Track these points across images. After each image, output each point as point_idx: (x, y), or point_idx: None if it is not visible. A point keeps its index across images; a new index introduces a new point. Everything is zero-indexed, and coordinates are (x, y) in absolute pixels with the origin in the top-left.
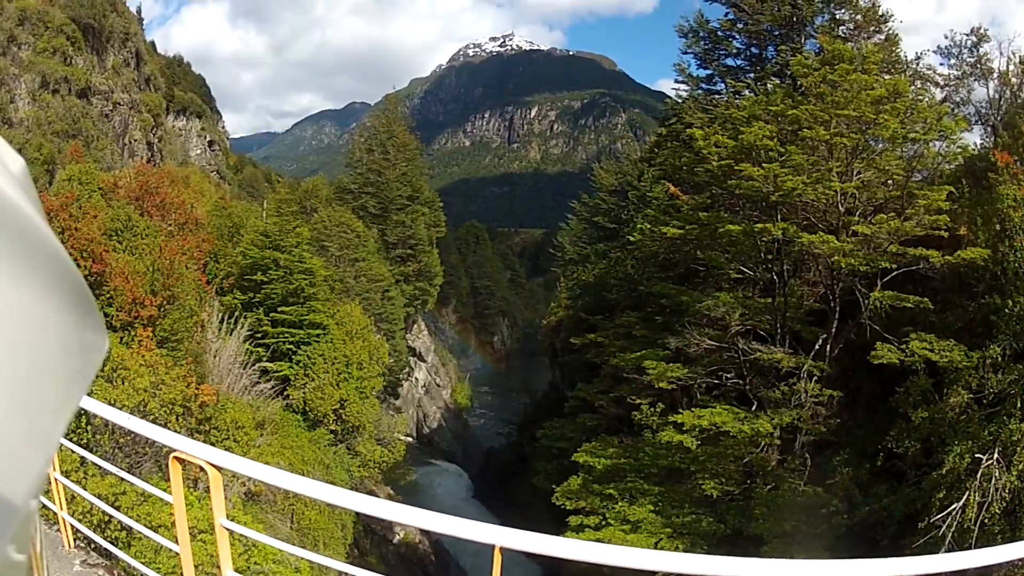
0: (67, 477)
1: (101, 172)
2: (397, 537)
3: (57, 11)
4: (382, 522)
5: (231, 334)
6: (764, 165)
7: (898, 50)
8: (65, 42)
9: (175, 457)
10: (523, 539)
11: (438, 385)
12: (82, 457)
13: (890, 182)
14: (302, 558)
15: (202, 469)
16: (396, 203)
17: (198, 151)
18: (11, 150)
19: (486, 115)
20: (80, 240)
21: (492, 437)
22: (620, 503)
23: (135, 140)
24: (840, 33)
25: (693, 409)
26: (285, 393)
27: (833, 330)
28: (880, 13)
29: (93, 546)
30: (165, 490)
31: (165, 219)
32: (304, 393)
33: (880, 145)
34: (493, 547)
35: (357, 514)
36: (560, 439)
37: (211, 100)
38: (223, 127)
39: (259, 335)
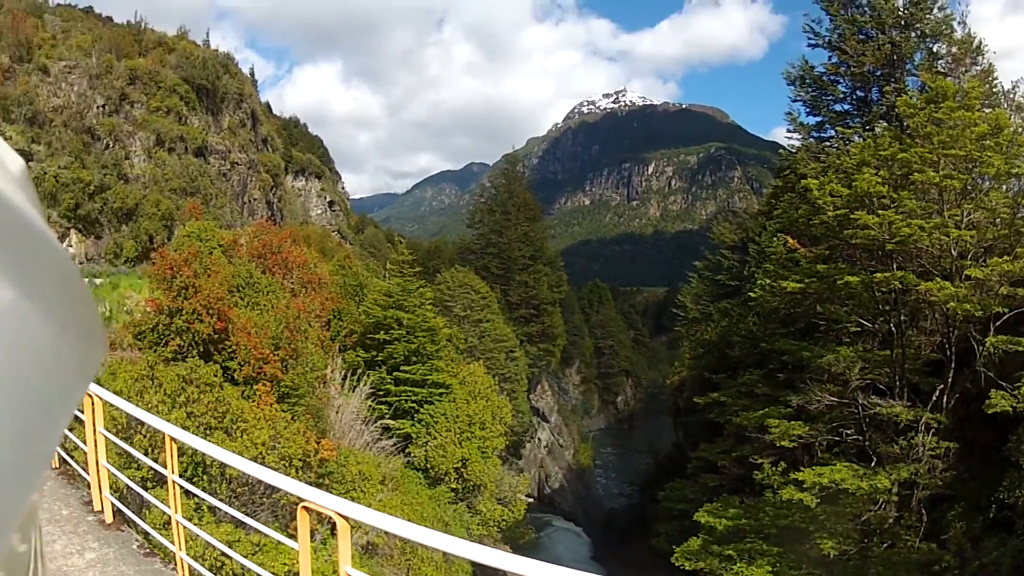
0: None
1: (221, 229)
2: None
3: (169, 71)
4: None
5: (353, 391)
6: (879, 212)
7: (994, 79)
8: (179, 102)
9: (304, 507)
10: None
11: (561, 445)
12: (196, 503)
13: (998, 220)
14: None
15: (322, 520)
16: (518, 263)
17: (319, 211)
18: (11, 150)
19: (604, 173)
20: (204, 297)
21: (614, 498)
22: (739, 564)
23: (254, 199)
24: (939, 68)
25: (814, 467)
26: (407, 451)
27: (950, 380)
28: (975, 44)
29: None
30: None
31: (287, 277)
32: (426, 451)
33: (986, 183)
34: None
35: (473, 572)
36: (681, 500)
37: (329, 161)
38: (343, 188)
39: (382, 393)
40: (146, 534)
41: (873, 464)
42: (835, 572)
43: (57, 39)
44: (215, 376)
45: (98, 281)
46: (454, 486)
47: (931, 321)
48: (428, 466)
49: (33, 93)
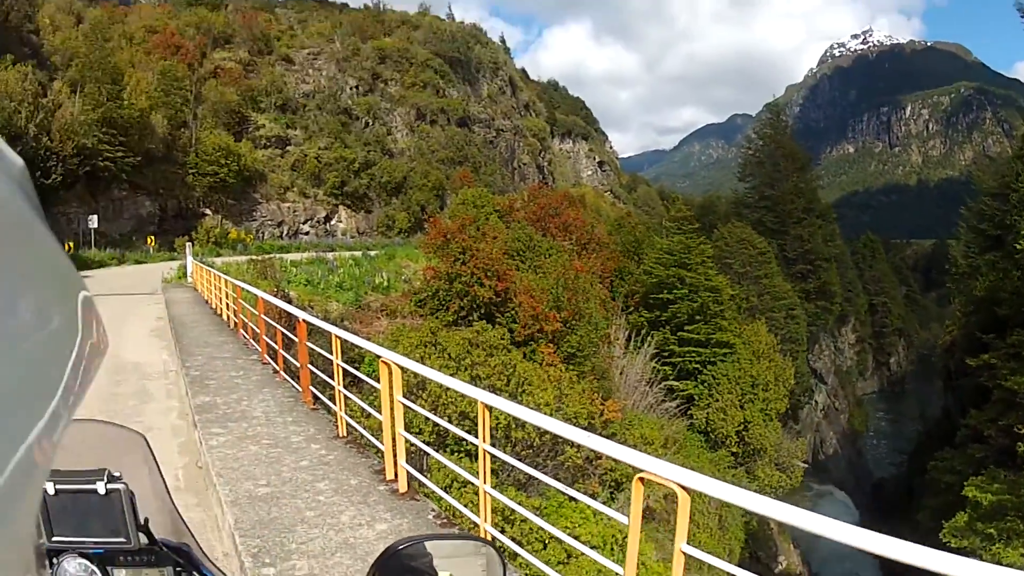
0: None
1: (494, 195)
2: (779, 567)
3: (418, 47)
4: (768, 550)
5: (638, 352)
6: None
7: None
8: (434, 75)
9: (640, 478)
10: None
11: (836, 409)
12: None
13: None
14: None
15: (603, 483)
16: (792, 216)
17: (589, 172)
18: (11, 150)
19: (864, 118)
20: (483, 260)
21: (884, 466)
22: (997, 544)
23: (524, 164)
24: None
25: None
26: (689, 412)
27: None
28: None
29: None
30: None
31: (567, 239)
32: (708, 413)
33: None
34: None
35: (745, 541)
36: (949, 471)
37: (594, 121)
38: (610, 147)
39: (666, 353)
40: (441, 502)
41: None
42: None
43: (295, 29)
44: (501, 339)
45: (372, 253)
46: (734, 450)
47: None
48: (709, 429)
49: (280, 82)
